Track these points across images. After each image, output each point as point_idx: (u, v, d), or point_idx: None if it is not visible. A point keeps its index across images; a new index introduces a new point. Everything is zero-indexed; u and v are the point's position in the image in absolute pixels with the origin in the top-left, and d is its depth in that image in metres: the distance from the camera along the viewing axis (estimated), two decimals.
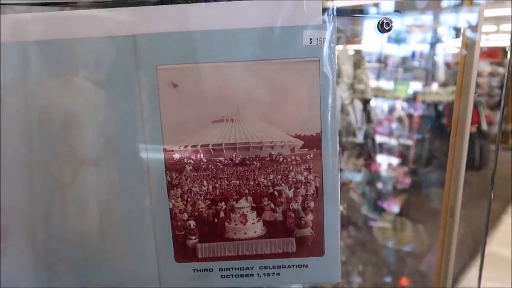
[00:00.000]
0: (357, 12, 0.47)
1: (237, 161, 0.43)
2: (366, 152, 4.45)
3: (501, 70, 6.12)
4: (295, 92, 0.41)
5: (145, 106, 0.41)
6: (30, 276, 0.46)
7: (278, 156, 0.42)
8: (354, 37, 0.54)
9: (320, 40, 0.41)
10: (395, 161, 4.42)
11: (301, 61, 0.41)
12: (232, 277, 0.45)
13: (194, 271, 0.45)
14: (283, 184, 0.43)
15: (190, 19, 0.40)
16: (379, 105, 4.52)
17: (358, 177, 3.89)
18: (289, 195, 0.43)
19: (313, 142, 0.42)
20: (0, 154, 0.42)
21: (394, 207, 3.54)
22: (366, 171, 4.10)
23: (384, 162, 4.40)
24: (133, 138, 0.42)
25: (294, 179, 0.43)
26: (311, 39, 0.41)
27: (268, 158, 0.43)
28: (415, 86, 4.59)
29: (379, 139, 4.36)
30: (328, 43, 0.41)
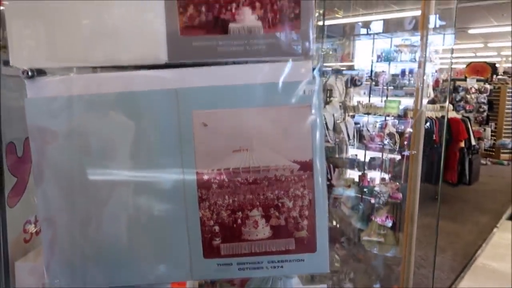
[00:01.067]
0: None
1: (250, 181, 0.57)
2: (359, 167, 4.58)
3: (488, 86, 6.37)
4: (293, 129, 0.56)
5: (183, 140, 0.56)
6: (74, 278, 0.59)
7: (281, 177, 0.57)
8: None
9: (311, 91, 0.56)
10: (387, 176, 4.56)
11: (297, 107, 0.56)
12: (247, 269, 0.59)
13: (218, 265, 0.59)
14: (285, 198, 0.58)
15: (218, 76, 0.55)
16: (371, 122, 4.68)
17: (349, 192, 4.03)
18: (289, 205, 0.58)
19: (307, 166, 0.57)
20: (55, 178, 0.57)
21: (387, 221, 3.67)
22: (356, 187, 4.23)
23: (377, 177, 4.53)
24: (173, 163, 0.57)
25: (293, 194, 0.58)
26: (304, 90, 0.56)
27: (274, 178, 0.57)
28: (406, 102, 4.76)
29: (371, 154, 4.51)
30: (317, 94, 0.56)
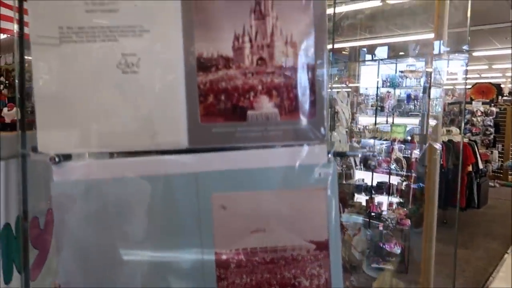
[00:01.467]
0: None
1: (268, 260, 0.58)
2: (366, 191, 4.56)
3: (494, 109, 6.37)
4: (309, 211, 0.58)
5: (202, 222, 0.58)
6: None
7: (297, 256, 0.59)
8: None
9: (326, 174, 0.58)
10: (394, 201, 4.53)
11: (313, 189, 0.58)
12: None
13: None
14: (301, 277, 0.59)
15: (236, 161, 0.57)
16: (377, 147, 4.67)
17: (357, 218, 4.00)
18: (306, 284, 0.59)
19: (323, 246, 0.58)
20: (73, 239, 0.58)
21: (395, 248, 3.63)
22: (364, 213, 4.20)
23: (384, 201, 4.51)
24: (192, 244, 0.58)
25: (310, 273, 0.59)
26: (320, 173, 0.58)
27: (291, 258, 0.58)
28: (412, 121, 4.76)
29: (378, 179, 4.49)
30: (332, 176, 0.58)
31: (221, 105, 0.57)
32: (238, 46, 0.57)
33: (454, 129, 5.40)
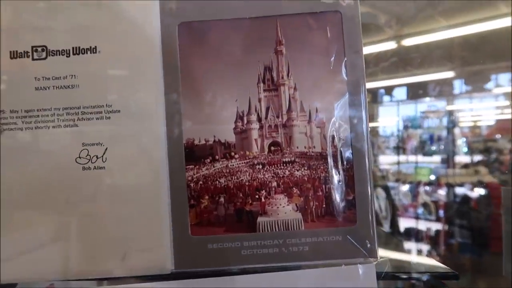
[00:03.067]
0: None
1: None
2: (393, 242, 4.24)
3: None
4: None
5: None
6: None
7: None
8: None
9: None
10: (424, 248, 4.21)
11: None
12: None
13: None
14: None
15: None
16: (402, 191, 4.43)
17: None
18: None
19: None
20: None
21: None
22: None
23: (413, 250, 4.18)
24: None
25: None
26: None
27: None
28: (437, 169, 4.53)
29: (405, 225, 4.20)
30: None
31: (220, 211, 0.40)
32: (242, 128, 0.41)
33: (483, 169, 5.13)
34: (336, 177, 0.40)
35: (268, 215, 0.40)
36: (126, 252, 0.40)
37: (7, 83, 0.41)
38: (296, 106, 0.41)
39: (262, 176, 0.40)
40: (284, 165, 0.40)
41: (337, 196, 0.40)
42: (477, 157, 5.62)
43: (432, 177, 4.39)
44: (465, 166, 5.04)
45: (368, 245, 0.40)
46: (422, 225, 4.21)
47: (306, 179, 0.40)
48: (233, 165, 0.41)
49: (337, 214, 0.40)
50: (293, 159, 0.41)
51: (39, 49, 0.41)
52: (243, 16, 0.41)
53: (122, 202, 0.41)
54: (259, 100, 0.41)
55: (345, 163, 0.40)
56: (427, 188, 4.36)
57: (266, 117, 0.41)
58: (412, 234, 4.32)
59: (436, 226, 4.17)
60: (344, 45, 0.41)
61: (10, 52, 0.41)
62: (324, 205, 0.40)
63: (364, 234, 0.40)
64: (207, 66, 0.41)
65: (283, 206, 0.40)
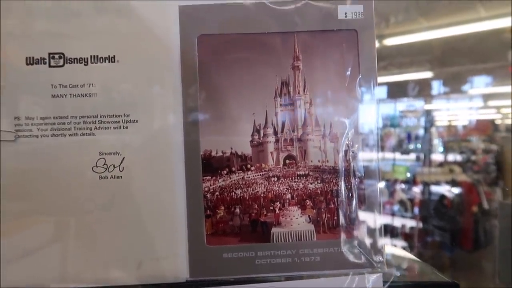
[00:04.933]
0: None
1: None
2: None
3: (493, 147, 6.27)
4: None
5: None
6: None
7: None
8: None
9: None
10: (399, 244, 4.33)
11: None
12: None
13: None
14: None
15: None
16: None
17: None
18: None
19: None
20: None
21: None
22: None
23: (388, 245, 4.29)
24: None
25: None
26: None
27: None
28: (413, 167, 4.65)
29: (382, 221, 4.30)
30: None
31: (235, 221, 0.41)
32: (258, 141, 0.42)
33: (457, 168, 5.29)
34: (347, 191, 0.42)
35: (282, 226, 0.42)
36: (142, 260, 0.41)
37: (23, 90, 0.41)
38: (312, 121, 0.42)
39: (277, 188, 0.42)
40: (298, 178, 0.42)
41: (348, 209, 0.42)
42: (452, 157, 5.80)
43: (408, 175, 4.50)
44: (440, 164, 5.20)
45: (376, 256, 0.42)
46: (398, 222, 4.33)
47: (319, 192, 0.42)
48: (249, 177, 0.42)
49: (347, 226, 0.42)
50: (307, 172, 0.42)
51: (56, 56, 0.41)
52: (262, 31, 0.42)
53: (138, 211, 0.41)
54: (276, 114, 0.42)
55: (356, 177, 0.42)
56: (403, 185, 4.47)
57: (282, 131, 0.42)
58: (388, 231, 4.44)
59: (411, 223, 4.29)
60: (359, 62, 0.42)
61: (26, 58, 0.41)
62: (335, 217, 0.42)
63: (372, 245, 0.42)
64: (225, 78, 0.42)
65: (297, 218, 0.42)
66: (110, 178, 0.41)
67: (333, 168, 0.42)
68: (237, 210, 0.41)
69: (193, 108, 0.42)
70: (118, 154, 0.41)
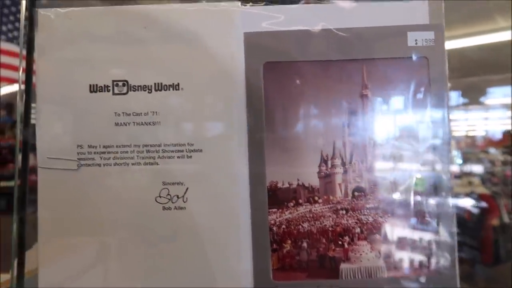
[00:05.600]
0: None
1: None
2: None
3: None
4: None
5: None
6: None
7: None
8: None
9: None
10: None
11: None
12: None
13: None
14: None
15: None
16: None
17: None
18: None
19: None
20: None
21: None
22: None
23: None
24: None
25: None
26: None
27: None
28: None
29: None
30: None
31: (302, 256, 0.40)
32: (326, 172, 0.40)
33: (476, 180, 5.19)
34: (420, 223, 0.40)
35: (351, 262, 0.40)
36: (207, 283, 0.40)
37: (86, 118, 0.40)
38: (381, 152, 0.41)
39: (346, 221, 0.40)
40: (368, 211, 0.40)
41: (420, 245, 0.40)
42: (470, 168, 5.68)
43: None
44: (459, 176, 5.10)
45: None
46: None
47: (390, 226, 0.40)
48: (316, 209, 0.40)
49: (420, 263, 0.40)
50: (376, 205, 0.40)
51: (120, 83, 0.40)
52: (330, 59, 0.41)
53: (202, 244, 0.40)
54: (344, 144, 0.41)
55: (429, 211, 0.40)
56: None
57: (350, 162, 0.41)
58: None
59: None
60: (430, 89, 0.41)
61: (90, 85, 0.40)
62: (407, 253, 0.40)
63: (447, 283, 0.40)
64: (292, 107, 0.41)
65: (366, 253, 0.40)
66: (174, 209, 0.40)
67: (404, 200, 0.40)
68: (305, 244, 0.40)
69: (259, 138, 0.40)
70: (182, 184, 0.40)
